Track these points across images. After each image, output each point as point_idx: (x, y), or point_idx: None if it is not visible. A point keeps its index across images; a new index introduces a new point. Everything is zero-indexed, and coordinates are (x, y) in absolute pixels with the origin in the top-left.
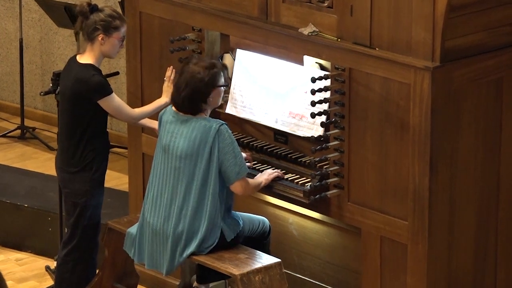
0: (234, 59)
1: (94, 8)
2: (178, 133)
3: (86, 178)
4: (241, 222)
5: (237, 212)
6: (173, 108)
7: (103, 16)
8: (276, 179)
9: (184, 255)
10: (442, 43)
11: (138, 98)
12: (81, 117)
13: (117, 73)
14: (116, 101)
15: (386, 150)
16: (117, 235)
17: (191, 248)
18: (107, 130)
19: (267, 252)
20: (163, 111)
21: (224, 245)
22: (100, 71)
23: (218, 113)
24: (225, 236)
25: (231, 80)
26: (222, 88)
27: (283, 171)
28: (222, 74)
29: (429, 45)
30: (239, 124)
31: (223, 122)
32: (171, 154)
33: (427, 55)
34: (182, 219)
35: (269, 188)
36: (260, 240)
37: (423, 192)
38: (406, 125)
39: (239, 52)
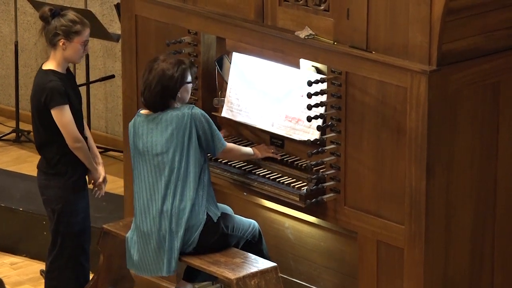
0: (230, 62)
1: (55, 13)
2: (152, 131)
3: (60, 184)
4: (227, 211)
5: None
6: (143, 111)
7: (63, 21)
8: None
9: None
10: (439, 46)
11: (133, 101)
12: (51, 127)
13: (112, 76)
14: (68, 116)
15: (382, 154)
16: (112, 238)
17: (180, 230)
18: (85, 135)
19: (267, 257)
20: (133, 121)
21: (213, 228)
22: (61, 77)
23: (214, 117)
24: (212, 217)
25: (227, 83)
26: (190, 85)
27: (279, 175)
28: (189, 71)
29: (425, 49)
30: (235, 128)
31: (192, 105)
32: (149, 154)
33: (424, 59)
34: (175, 213)
35: (265, 191)
36: (251, 242)
37: (420, 196)
38: (402, 129)
39: (235, 55)
